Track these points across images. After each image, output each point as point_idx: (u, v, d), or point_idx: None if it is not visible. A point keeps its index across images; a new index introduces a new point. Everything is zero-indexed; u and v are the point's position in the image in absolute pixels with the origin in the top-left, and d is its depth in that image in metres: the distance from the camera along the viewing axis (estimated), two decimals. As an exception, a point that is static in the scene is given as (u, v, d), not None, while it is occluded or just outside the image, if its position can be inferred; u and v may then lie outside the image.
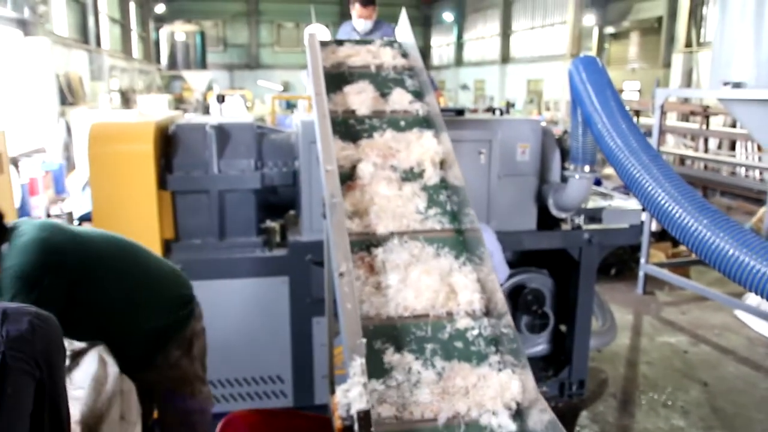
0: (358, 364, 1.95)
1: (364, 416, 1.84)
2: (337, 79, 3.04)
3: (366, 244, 2.35)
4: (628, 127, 2.40)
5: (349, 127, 2.78)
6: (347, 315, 2.08)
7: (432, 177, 2.60)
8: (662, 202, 2.08)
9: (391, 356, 2.04)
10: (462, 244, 2.41)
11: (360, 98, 2.88)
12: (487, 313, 2.20)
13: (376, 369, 1.98)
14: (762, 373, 4.81)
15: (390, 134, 2.72)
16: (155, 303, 2.33)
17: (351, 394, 1.89)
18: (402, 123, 2.81)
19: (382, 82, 3.04)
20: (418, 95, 2.98)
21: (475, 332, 2.14)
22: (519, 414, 1.95)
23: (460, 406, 1.92)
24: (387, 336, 2.10)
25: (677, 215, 2.02)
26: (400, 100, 2.92)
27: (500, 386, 1.97)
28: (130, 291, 2.25)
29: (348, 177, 2.56)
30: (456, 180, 2.54)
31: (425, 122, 2.84)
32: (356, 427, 1.84)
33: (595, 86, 2.68)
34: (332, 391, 2.89)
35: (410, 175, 2.60)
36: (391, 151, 2.64)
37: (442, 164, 2.65)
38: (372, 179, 2.54)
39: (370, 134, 2.73)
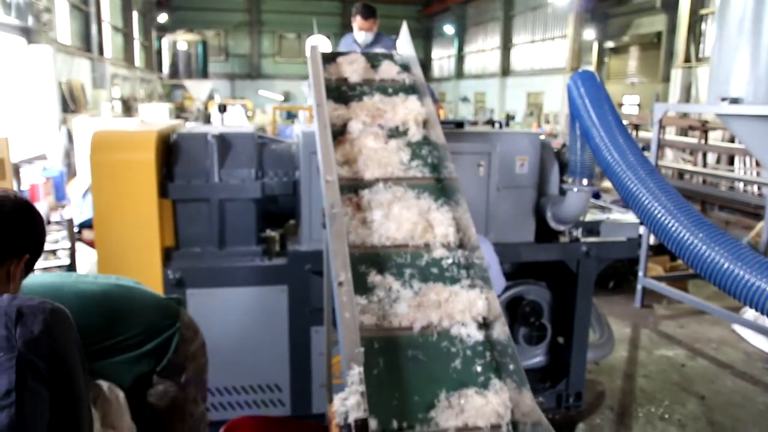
0: (356, 372, 1.97)
1: (362, 424, 1.85)
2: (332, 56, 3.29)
3: (354, 187, 2.61)
4: (625, 141, 2.43)
5: (341, 93, 3.04)
6: (346, 324, 2.10)
7: (415, 135, 2.86)
8: (659, 215, 2.10)
9: (373, 277, 2.29)
10: (441, 190, 2.65)
11: (352, 68, 3.16)
12: (461, 246, 2.44)
13: (360, 287, 2.22)
14: (759, 388, 4.81)
15: (378, 98, 3.00)
16: (131, 339, 2.18)
17: (349, 403, 1.91)
18: (390, 90, 3.07)
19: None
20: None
21: (450, 261, 2.38)
22: (485, 326, 2.21)
23: (433, 316, 2.19)
24: (370, 262, 2.35)
25: (673, 229, 2.04)
26: (388, 70, 3.19)
27: (469, 302, 2.22)
28: (101, 336, 2.12)
29: (339, 133, 2.83)
30: (437, 138, 2.81)
31: (411, 89, 3.10)
32: (354, 435, 1.86)
33: (593, 101, 2.71)
34: (330, 400, 2.90)
35: (395, 133, 2.86)
36: (379, 112, 2.90)
37: (425, 124, 2.92)
38: (360, 134, 2.79)
39: (360, 98, 3.00)
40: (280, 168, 3.66)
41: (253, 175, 3.58)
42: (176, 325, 2.32)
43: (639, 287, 6.57)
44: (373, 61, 3.30)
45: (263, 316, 3.56)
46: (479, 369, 2.09)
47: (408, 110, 2.91)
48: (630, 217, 4.39)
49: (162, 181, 3.46)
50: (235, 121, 12.16)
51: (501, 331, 2.13)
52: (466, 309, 2.21)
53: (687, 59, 16.62)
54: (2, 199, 1.54)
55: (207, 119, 16.96)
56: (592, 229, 4.12)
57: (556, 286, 4.14)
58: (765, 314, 1.88)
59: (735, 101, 4.75)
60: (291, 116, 17.31)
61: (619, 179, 2.34)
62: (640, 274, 6.47)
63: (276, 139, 4.21)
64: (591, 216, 4.26)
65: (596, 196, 7.85)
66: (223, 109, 4.76)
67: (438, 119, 2.99)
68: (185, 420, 2.41)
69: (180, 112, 20.57)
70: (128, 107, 19.33)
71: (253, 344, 3.58)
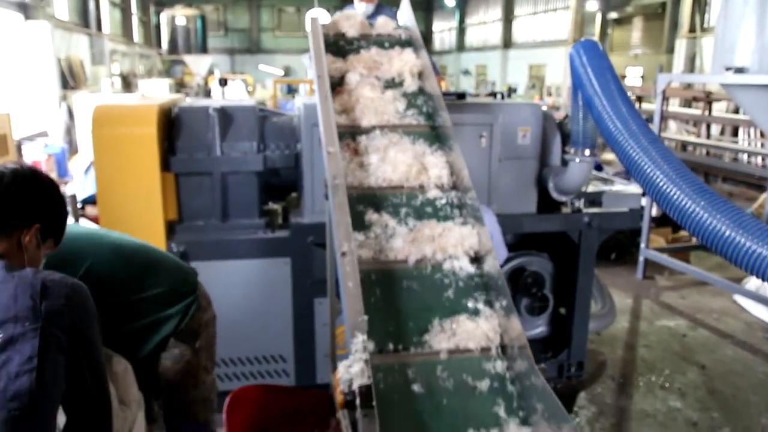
0: (359, 340, 1.99)
1: (366, 391, 1.88)
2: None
3: (352, 134, 2.69)
4: (627, 110, 2.42)
5: (339, 47, 3.10)
6: (349, 293, 2.12)
7: (411, 85, 2.91)
8: (661, 184, 2.10)
9: (370, 216, 2.39)
10: (435, 137, 2.73)
11: (349, 23, 3.20)
12: (454, 187, 2.53)
13: (358, 225, 2.32)
14: (760, 357, 4.85)
15: (375, 51, 3.05)
16: (157, 298, 2.30)
17: (353, 370, 1.93)
18: (386, 44, 3.13)
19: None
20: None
21: (443, 201, 2.48)
22: (477, 260, 2.31)
23: (427, 250, 2.28)
24: (368, 202, 2.45)
25: (675, 197, 2.04)
26: (384, 25, 3.24)
27: (461, 236, 2.33)
28: (132, 287, 2.26)
29: (337, 84, 2.90)
30: (432, 89, 2.87)
31: (407, 43, 3.15)
32: (358, 401, 1.88)
33: (595, 70, 2.69)
34: (334, 369, 2.94)
35: (392, 84, 2.92)
36: (376, 64, 2.97)
37: (420, 75, 2.96)
38: (358, 85, 2.86)
39: (357, 51, 3.06)
40: (282, 141, 3.66)
41: (254, 148, 3.57)
42: (195, 292, 2.43)
43: (641, 258, 6.58)
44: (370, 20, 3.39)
45: (267, 288, 3.58)
46: (470, 298, 2.20)
47: (403, 62, 2.96)
48: (632, 188, 4.39)
49: (164, 155, 3.46)
50: (235, 96, 12.10)
51: (492, 264, 2.24)
52: (458, 243, 2.31)
53: (692, 29, 16.46)
54: (1, 172, 1.56)
55: (207, 95, 16.88)
56: (594, 200, 4.12)
57: (558, 257, 4.15)
58: (765, 281, 1.89)
59: (740, 70, 4.72)
60: (291, 91, 17.21)
61: (621, 148, 2.33)
62: (642, 245, 6.49)
63: (277, 111, 4.20)
64: (593, 187, 4.26)
65: (598, 168, 7.83)
66: (223, 83, 4.72)
67: (439, 86, 2.99)
68: (198, 386, 2.47)
69: (180, 87, 20.44)
70: (128, 83, 19.23)
71: (257, 316, 3.61)
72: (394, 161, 2.55)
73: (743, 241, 1.90)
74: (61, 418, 1.49)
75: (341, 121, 2.71)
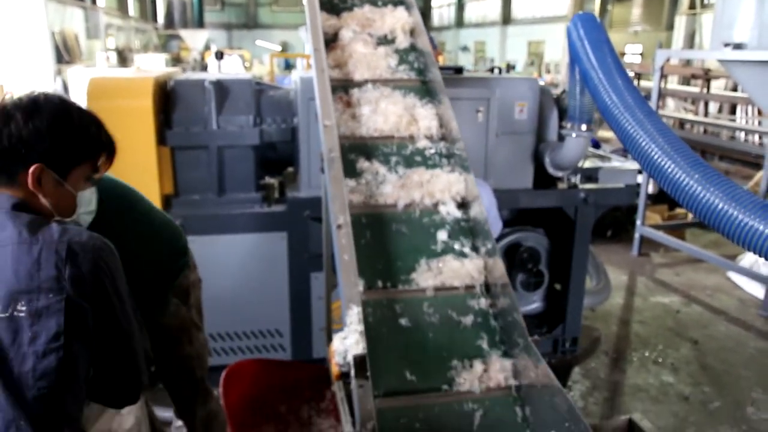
0: (354, 312, 2.00)
1: (361, 362, 1.90)
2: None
3: (345, 87, 2.74)
4: (624, 83, 2.41)
5: (333, 5, 3.13)
6: (345, 265, 2.13)
7: (403, 42, 2.96)
8: (656, 157, 2.10)
9: (362, 164, 2.46)
10: (426, 91, 2.79)
11: None
12: (443, 138, 2.61)
13: (350, 172, 2.40)
14: (752, 333, 4.90)
15: (368, 8, 3.09)
16: (155, 250, 2.37)
17: (348, 342, 1.95)
18: (379, 2, 3.15)
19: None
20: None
21: (432, 151, 2.55)
22: (464, 206, 2.40)
23: (416, 195, 2.37)
24: (359, 150, 2.52)
25: (670, 171, 2.04)
26: None
27: (448, 183, 2.41)
28: (131, 235, 2.27)
29: (331, 40, 2.94)
30: (424, 46, 2.93)
31: (399, 1, 3.18)
32: (352, 372, 1.90)
33: (592, 43, 2.67)
34: (329, 343, 2.96)
35: (384, 41, 2.96)
36: (368, 21, 3.01)
37: (412, 33, 3.01)
38: (351, 41, 2.91)
39: (350, 9, 3.10)
40: (278, 115, 3.64)
41: (251, 122, 3.56)
42: (188, 250, 2.54)
43: (636, 236, 6.61)
44: None
45: (263, 263, 3.59)
46: (457, 241, 2.29)
47: (396, 19, 3.00)
48: (629, 164, 4.39)
49: (160, 129, 3.45)
50: (232, 71, 12.02)
51: (478, 210, 2.33)
52: (445, 189, 2.41)
53: (692, 6, 16.34)
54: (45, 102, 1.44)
55: (204, 70, 16.77)
56: (591, 175, 4.12)
57: (554, 233, 4.17)
58: (758, 254, 1.91)
59: (738, 46, 4.69)
60: (289, 66, 17.08)
61: (616, 121, 2.33)
62: (638, 222, 6.51)
63: (274, 85, 4.18)
64: (590, 163, 4.26)
65: (595, 145, 7.84)
66: (220, 56, 4.66)
67: (423, 30, 3.01)
68: (192, 342, 2.52)
69: (176, 62, 20.28)
70: (123, 58, 19.08)
71: (254, 290, 3.62)
72: (385, 112, 2.62)
73: (737, 214, 1.90)
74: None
75: (335, 75, 2.77)
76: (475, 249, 2.28)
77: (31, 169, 1.37)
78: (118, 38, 21.09)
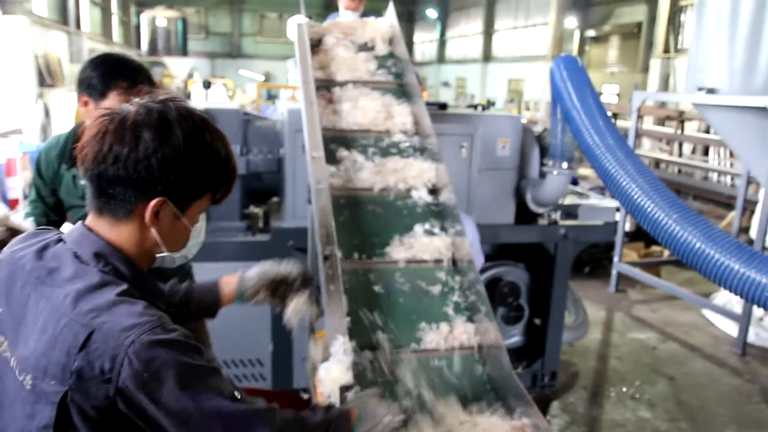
0: (340, 342, 2.02)
1: (347, 391, 1.91)
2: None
3: (327, 86, 2.98)
4: (605, 124, 2.50)
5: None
6: (331, 296, 2.15)
7: (382, 50, 3.18)
8: (635, 197, 2.18)
9: (341, 152, 2.67)
10: (402, 92, 3.03)
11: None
12: (417, 133, 2.83)
13: (330, 160, 2.60)
14: (726, 370, 4.98)
15: (351, 18, 3.44)
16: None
17: (333, 372, 1.96)
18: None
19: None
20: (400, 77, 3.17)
21: (407, 144, 2.78)
22: (435, 192, 2.62)
23: (390, 180, 2.60)
24: (339, 141, 2.74)
25: (649, 210, 2.12)
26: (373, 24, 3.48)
27: (421, 170, 2.64)
28: None
29: (315, 45, 3.16)
30: (401, 54, 3.16)
31: (380, 16, 3.44)
32: (338, 403, 1.91)
33: (574, 84, 2.77)
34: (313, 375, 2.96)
35: (364, 48, 3.19)
36: (351, 30, 3.24)
37: (391, 41, 3.24)
38: (334, 46, 3.14)
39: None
40: (265, 145, 3.68)
41: (237, 152, 3.59)
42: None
43: (614, 272, 6.71)
44: None
45: (246, 292, 3.58)
46: (427, 222, 2.50)
47: (375, 29, 3.23)
48: (607, 202, 4.49)
49: (146, 156, 3.46)
50: (216, 99, 12.07)
51: (448, 197, 2.55)
52: (418, 176, 2.64)
53: (666, 50, 16.83)
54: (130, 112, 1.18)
55: (187, 98, 16.78)
56: (570, 212, 4.20)
57: (534, 268, 4.22)
58: (732, 292, 1.97)
59: (711, 91, 4.85)
60: (271, 97, 17.17)
61: (598, 161, 2.40)
62: (615, 259, 6.61)
63: (261, 116, 4.22)
64: (569, 200, 4.35)
65: (574, 182, 7.97)
66: (207, 85, 4.72)
67: (420, 95, 3.08)
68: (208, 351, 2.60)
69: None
70: (106, 83, 19.04)
71: (235, 319, 3.57)
72: (364, 108, 2.86)
73: (713, 253, 1.97)
74: None
75: (318, 76, 2.99)
76: (443, 229, 2.51)
77: (152, 203, 1.17)
78: (101, 64, 21.06)
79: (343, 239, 2.30)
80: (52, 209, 2.46)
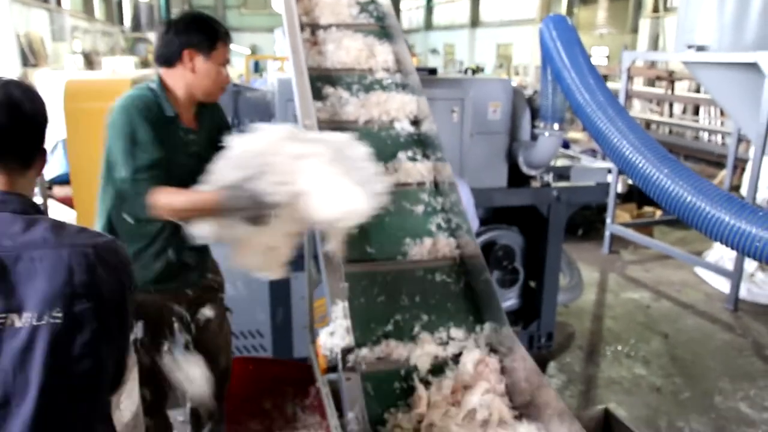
0: (340, 307, 2.06)
1: (349, 354, 1.95)
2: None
3: (312, 30, 3.15)
4: (595, 82, 2.50)
5: None
6: (329, 262, 2.19)
7: None
8: (627, 153, 2.19)
9: (327, 90, 2.85)
10: (384, 33, 3.21)
11: None
12: (399, 71, 3.00)
13: (317, 96, 2.77)
14: (718, 326, 5.06)
15: None
16: None
17: (335, 336, 2.00)
18: None
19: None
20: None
21: (389, 81, 2.96)
22: (416, 123, 2.82)
23: (374, 113, 2.79)
24: (325, 80, 2.91)
25: (641, 165, 2.14)
26: None
27: (403, 102, 2.83)
28: None
29: None
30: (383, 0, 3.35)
31: None
32: (340, 365, 1.95)
33: (564, 43, 2.77)
34: (312, 340, 3.00)
35: None
36: None
37: None
38: None
39: None
40: (256, 116, 3.65)
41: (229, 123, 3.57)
42: None
43: (607, 234, 6.76)
44: None
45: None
46: (410, 150, 2.71)
47: None
48: (599, 163, 4.51)
49: (137, 131, 3.44)
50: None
51: (429, 127, 2.74)
52: (400, 108, 2.82)
53: (655, 9, 16.72)
54: (30, 87, 1.38)
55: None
56: (563, 174, 4.22)
57: (528, 231, 4.26)
58: (723, 244, 2.00)
59: (701, 48, 4.85)
60: (258, 69, 16.99)
61: (589, 119, 2.42)
62: (608, 220, 6.66)
63: (250, 87, 4.19)
64: (561, 162, 4.37)
65: (566, 145, 7.99)
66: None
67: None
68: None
69: (145, 66, 20.03)
70: (90, 61, 18.78)
71: (234, 292, 3.63)
72: (347, 48, 3.03)
73: (704, 206, 2.00)
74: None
75: (303, 20, 3.15)
76: (425, 156, 2.71)
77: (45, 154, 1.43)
78: (84, 41, 20.76)
79: None
80: None
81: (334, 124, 2.71)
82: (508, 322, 2.17)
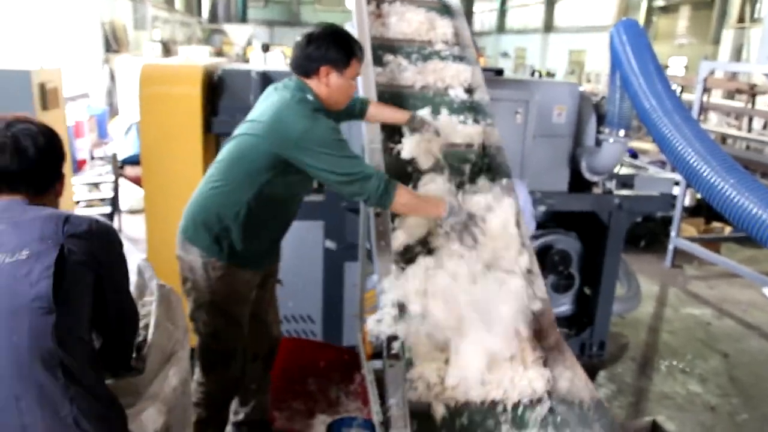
0: (389, 297, 2.10)
1: (394, 342, 1.98)
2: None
3: (378, 4, 3.35)
4: (663, 88, 2.44)
5: None
6: (381, 251, 2.23)
7: None
8: (691, 161, 2.13)
9: (387, 57, 3.05)
10: (445, 10, 3.42)
11: None
12: (457, 44, 3.19)
13: (377, 62, 3.00)
14: (784, 350, 4.84)
15: None
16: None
17: (382, 324, 2.04)
18: None
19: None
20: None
21: (447, 52, 3.13)
22: (470, 91, 3.02)
23: (430, 79, 2.98)
24: (386, 48, 3.10)
25: (705, 174, 2.07)
26: None
27: (458, 71, 3.03)
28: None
29: None
30: None
31: None
32: (385, 352, 1.99)
33: (634, 48, 2.71)
34: (361, 328, 3.05)
35: None
36: None
37: None
38: None
39: None
40: (321, 107, 3.74)
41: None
42: None
43: (671, 247, 6.56)
44: None
45: (299, 250, 3.68)
46: (462, 114, 2.88)
47: None
48: (665, 173, 4.38)
49: (206, 116, 3.57)
50: (275, 63, 12.21)
51: (481, 96, 2.94)
52: (455, 76, 3.00)
53: (741, 19, 16.03)
54: (39, 127, 1.63)
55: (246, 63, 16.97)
56: (626, 182, 4.13)
57: (587, 238, 4.19)
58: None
59: (784, 60, 4.64)
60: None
61: (655, 125, 2.36)
62: (673, 233, 6.46)
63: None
64: (626, 170, 4.27)
65: (633, 156, 7.79)
66: (266, 48, 4.83)
67: (477, 61, 3.11)
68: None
69: (219, 56, 20.60)
70: (168, 50, 19.45)
71: (288, 276, 3.70)
72: (409, 20, 3.21)
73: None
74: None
75: None
76: (476, 121, 2.87)
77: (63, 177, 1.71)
78: (164, 30, 21.51)
79: (386, 124, 2.67)
80: None
81: (391, 87, 2.92)
82: None
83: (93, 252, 1.51)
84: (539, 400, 2.08)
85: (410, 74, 2.97)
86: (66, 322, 1.41)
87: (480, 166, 2.73)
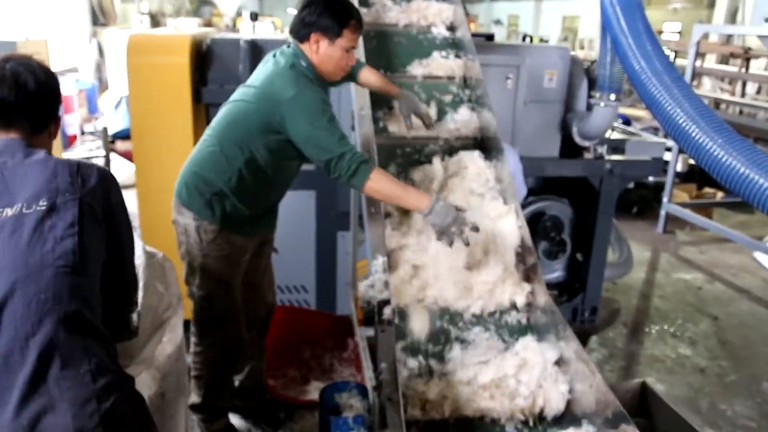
0: (380, 262, 2.11)
1: (385, 307, 2.00)
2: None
3: None
4: (653, 48, 2.42)
5: None
6: (372, 219, 2.23)
7: None
8: (680, 121, 2.13)
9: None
10: None
11: None
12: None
13: (363, 3, 3.09)
14: (773, 312, 4.90)
15: None
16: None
17: (374, 289, 2.06)
18: None
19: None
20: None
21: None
22: (452, 29, 3.18)
23: (413, 17, 3.14)
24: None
25: (693, 134, 2.08)
26: None
27: (440, 9, 3.18)
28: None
29: None
30: None
31: None
32: (376, 317, 2.01)
33: (624, 8, 2.67)
34: (355, 296, 3.08)
35: None
36: None
37: None
38: None
39: None
40: (311, 75, 3.71)
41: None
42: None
43: (662, 212, 6.58)
44: None
45: (291, 220, 3.66)
46: (444, 50, 3.04)
47: None
48: (656, 138, 4.38)
49: (195, 86, 3.54)
50: (264, 33, 12.08)
51: (463, 33, 3.06)
52: (437, 14, 3.15)
53: (734, -17, 15.85)
54: (38, 64, 1.61)
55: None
56: (617, 147, 4.13)
57: (579, 203, 4.20)
58: (777, 219, 1.94)
59: (778, 22, 4.61)
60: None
61: (644, 86, 2.35)
62: (665, 199, 6.48)
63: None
64: (616, 135, 4.27)
65: (626, 122, 7.77)
66: (254, 17, 4.73)
67: (468, 27, 3.07)
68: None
69: (207, 26, 20.31)
70: (156, 22, 19.15)
71: (281, 246, 3.71)
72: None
73: (758, 178, 1.93)
74: None
75: None
76: (458, 56, 3.02)
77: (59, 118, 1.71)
78: (152, 2, 21.15)
79: (371, 60, 2.75)
80: None
81: (376, 26, 3.08)
82: None
83: (105, 204, 1.53)
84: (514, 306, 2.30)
85: (394, 14, 3.13)
86: (87, 280, 1.42)
87: (461, 97, 2.91)
